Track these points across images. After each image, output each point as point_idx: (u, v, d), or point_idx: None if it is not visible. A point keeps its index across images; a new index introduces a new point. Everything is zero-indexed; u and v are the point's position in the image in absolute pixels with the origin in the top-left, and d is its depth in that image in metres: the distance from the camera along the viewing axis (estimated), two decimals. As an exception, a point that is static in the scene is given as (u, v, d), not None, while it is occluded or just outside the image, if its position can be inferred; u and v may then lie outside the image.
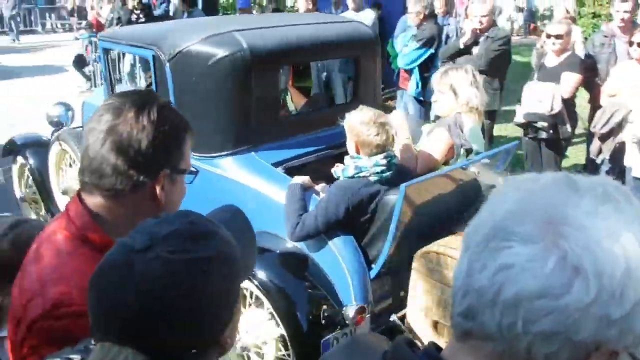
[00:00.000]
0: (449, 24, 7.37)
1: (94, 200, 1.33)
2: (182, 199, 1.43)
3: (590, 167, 5.60)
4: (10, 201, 5.26)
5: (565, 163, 6.15)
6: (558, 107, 4.87)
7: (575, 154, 6.84)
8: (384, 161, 3.02)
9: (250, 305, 3.12)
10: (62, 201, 4.81)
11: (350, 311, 2.83)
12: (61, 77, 12.41)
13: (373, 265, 3.04)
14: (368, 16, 6.90)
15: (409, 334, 2.90)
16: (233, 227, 1.09)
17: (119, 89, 4.73)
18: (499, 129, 6.99)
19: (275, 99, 3.72)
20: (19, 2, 20.90)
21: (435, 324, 2.83)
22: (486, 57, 5.55)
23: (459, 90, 3.45)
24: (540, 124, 4.99)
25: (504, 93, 5.99)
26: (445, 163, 3.32)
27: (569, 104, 5.07)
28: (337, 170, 3.14)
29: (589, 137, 5.74)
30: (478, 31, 5.63)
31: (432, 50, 6.12)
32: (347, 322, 2.85)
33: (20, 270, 1.35)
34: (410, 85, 6.32)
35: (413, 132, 3.57)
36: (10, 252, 1.96)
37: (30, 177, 5.03)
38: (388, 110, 7.22)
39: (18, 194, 5.26)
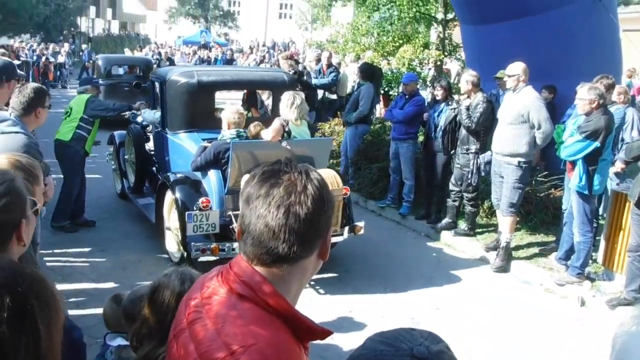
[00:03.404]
0: (625, 113, 7.25)
1: (267, 269, 1.33)
2: None
3: None
4: (110, 172, 9.07)
5: None
6: None
7: None
8: (235, 133, 5.99)
9: (174, 206, 6.14)
10: (128, 168, 8.28)
11: (199, 200, 5.73)
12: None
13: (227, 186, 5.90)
14: (529, 94, 6.36)
15: (236, 223, 5.33)
16: None
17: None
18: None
19: (211, 107, 7.07)
20: (200, 62, 24.60)
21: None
22: None
23: (280, 108, 6.29)
24: None
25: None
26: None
27: None
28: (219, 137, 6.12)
29: None
30: None
31: (597, 144, 5.66)
32: (197, 206, 5.67)
33: (183, 323, 1.39)
34: (573, 178, 5.92)
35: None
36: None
37: (115, 157, 8.64)
38: (551, 200, 7.64)
39: (112, 167, 8.87)
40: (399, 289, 6.04)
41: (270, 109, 7.73)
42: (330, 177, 5.77)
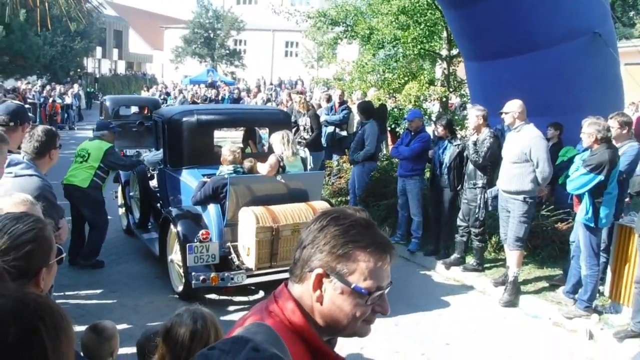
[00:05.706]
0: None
1: (297, 290, 1.51)
2: None
3: None
4: (115, 207, 9.29)
5: None
6: None
7: None
8: (232, 169, 6.38)
9: (176, 239, 6.40)
10: (133, 205, 8.67)
11: (199, 232, 6.08)
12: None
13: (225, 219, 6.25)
14: (531, 132, 6.52)
15: (234, 253, 6.21)
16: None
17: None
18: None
19: (210, 144, 7.41)
20: (207, 100, 24.26)
21: (248, 249, 5.95)
22: None
23: (273, 146, 6.78)
24: None
25: None
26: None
27: None
28: (217, 173, 6.49)
29: None
30: None
31: (601, 177, 5.72)
32: (198, 238, 6.03)
33: None
34: (580, 211, 6.02)
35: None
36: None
37: (121, 195, 9.10)
38: (558, 234, 7.74)
39: (118, 204, 9.30)
40: (409, 325, 6.07)
41: (268, 144, 8.13)
42: (301, 210, 6.12)
